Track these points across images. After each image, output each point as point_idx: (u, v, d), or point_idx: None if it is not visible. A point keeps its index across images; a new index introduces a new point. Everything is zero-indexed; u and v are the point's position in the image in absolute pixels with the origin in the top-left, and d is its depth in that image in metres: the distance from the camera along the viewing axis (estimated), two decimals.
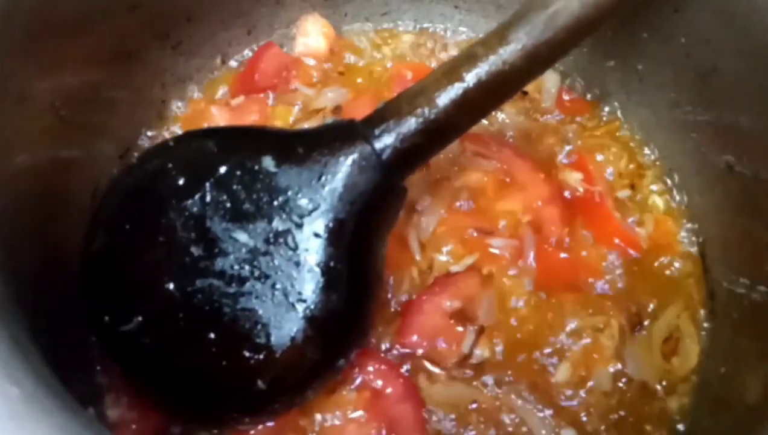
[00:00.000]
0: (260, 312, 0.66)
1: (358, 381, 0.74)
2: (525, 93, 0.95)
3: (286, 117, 0.90)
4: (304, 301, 0.66)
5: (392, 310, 0.79)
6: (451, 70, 0.69)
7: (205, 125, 0.87)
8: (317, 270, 0.67)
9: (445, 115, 0.68)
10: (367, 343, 0.76)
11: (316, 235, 0.67)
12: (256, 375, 0.66)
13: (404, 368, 0.76)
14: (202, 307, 0.66)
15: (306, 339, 0.66)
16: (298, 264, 0.67)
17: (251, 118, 0.88)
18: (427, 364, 0.76)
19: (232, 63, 0.94)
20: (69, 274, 0.71)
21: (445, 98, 0.68)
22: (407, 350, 0.77)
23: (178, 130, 0.88)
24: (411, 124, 0.69)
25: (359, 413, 0.73)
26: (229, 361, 0.66)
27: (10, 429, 0.38)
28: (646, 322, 0.80)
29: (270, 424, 0.71)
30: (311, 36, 0.94)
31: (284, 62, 0.93)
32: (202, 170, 0.69)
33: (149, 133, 0.88)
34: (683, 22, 0.80)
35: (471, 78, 0.68)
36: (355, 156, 0.68)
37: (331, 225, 0.68)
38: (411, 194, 0.83)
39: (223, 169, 0.69)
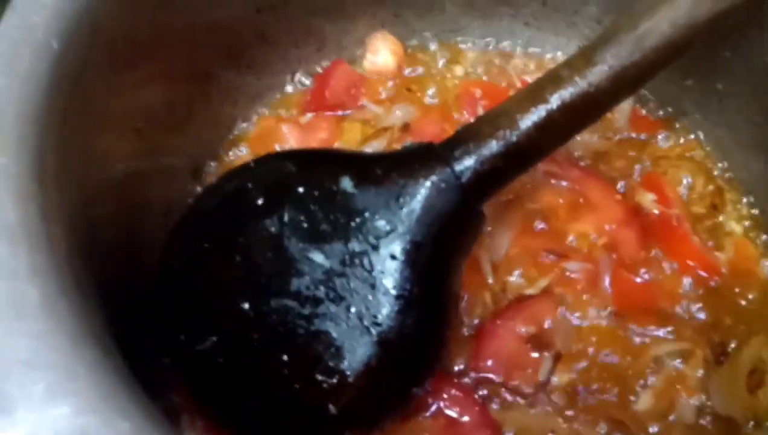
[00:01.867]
0: (334, 334, 0.65)
1: (433, 408, 0.73)
2: None
3: (355, 134, 0.89)
4: (379, 324, 0.65)
5: (465, 334, 0.77)
6: (535, 92, 0.68)
7: (276, 143, 0.87)
8: (393, 293, 0.65)
9: (528, 138, 0.67)
10: (442, 370, 0.74)
11: (393, 257, 0.66)
12: (328, 399, 0.64)
13: (479, 394, 0.74)
14: (276, 327, 0.65)
15: (380, 364, 0.65)
16: (373, 286, 0.66)
17: (321, 135, 0.88)
18: (503, 391, 0.74)
19: (302, 81, 0.93)
20: (142, 295, 0.71)
21: (528, 121, 0.66)
22: (482, 376, 0.75)
23: (248, 148, 0.88)
24: (492, 146, 0.67)
25: None
26: (301, 383, 0.65)
27: None
28: (730, 348, 0.77)
29: None
30: (380, 53, 0.94)
31: (353, 79, 0.92)
32: (281, 190, 0.69)
33: (221, 152, 0.87)
34: (767, 42, 0.77)
35: (555, 100, 0.66)
36: (434, 178, 0.67)
37: (408, 247, 0.66)
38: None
39: (301, 189, 0.68)
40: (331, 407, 0.64)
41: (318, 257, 0.66)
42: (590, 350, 0.76)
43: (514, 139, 0.67)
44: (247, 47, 0.85)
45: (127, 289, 0.68)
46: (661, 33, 0.65)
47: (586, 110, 0.68)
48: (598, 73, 0.66)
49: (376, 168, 0.69)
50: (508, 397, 0.74)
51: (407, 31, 0.97)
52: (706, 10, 0.66)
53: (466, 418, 0.72)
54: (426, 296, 0.67)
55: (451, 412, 0.72)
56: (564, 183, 0.87)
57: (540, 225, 0.84)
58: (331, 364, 0.64)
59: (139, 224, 0.73)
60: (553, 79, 0.67)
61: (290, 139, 0.87)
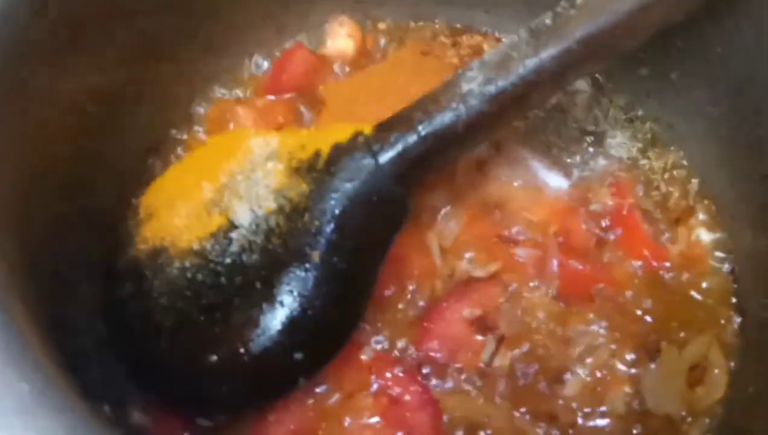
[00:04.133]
0: (237, 305, 0.67)
1: (375, 386, 0.73)
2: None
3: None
4: (283, 302, 0.66)
5: (411, 315, 0.78)
6: (453, 84, 0.68)
7: (231, 124, 0.87)
8: (301, 274, 0.67)
9: (449, 129, 0.67)
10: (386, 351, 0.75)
11: (308, 235, 0.67)
12: (231, 368, 0.66)
13: (422, 375, 0.75)
14: (187, 291, 0.68)
15: (282, 340, 0.66)
16: (284, 264, 0.67)
17: (276, 118, 0.88)
18: (446, 373, 0.75)
19: (261, 63, 0.94)
20: (90, 272, 0.72)
21: (449, 113, 0.67)
22: (426, 356, 0.75)
23: (204, 128, 0.88)
24: (413, 136, 0.68)
25: (376, 419, 0.72)
26: (209, 349, 0.66)
27: (18, 426, 0.38)
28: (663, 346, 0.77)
29: (288, 428, 0.71)
30: (339, 38, 0.94)
31: (312, 64, 0.93)
32: None
33: (176, 132, 0.88)
34: (720, 32, 0.77)
35: (476, 96, 0.66)
36: (355, 162, 0.68)
37: (322, 228, 0.67)
38: (435, 200, 0.83)
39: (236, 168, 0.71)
40: (234, 376, 0.67)
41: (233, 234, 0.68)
42: (533, 335, 0.77)
43: (433, 129, 0.67)
44: (201, 27, 0.85)
45: (71, 271, 0.69)
46: (585, 26, 0.65)
47: (509, 105, 0.68)
48: (517, 67, 0.66)
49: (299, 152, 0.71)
50: (451, 379, 0.75)
51: (368, 16, 0.97)
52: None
53: (407, 398, 0.73)
54: (337, 281, 0.68)
55: (393, 392, 0.73)
56: (519, 171, 0.87)
57: (493, 211, 0.84)
58: (231, 334, 0.66)
59: (87, 199, 0.74)
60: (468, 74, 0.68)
61: (246, 121, 0.87)
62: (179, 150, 0.86)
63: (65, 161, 0.69)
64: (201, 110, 0.89)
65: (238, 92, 0.92)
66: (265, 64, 0.93)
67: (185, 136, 0.88)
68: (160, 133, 0.86)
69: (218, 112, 0.88)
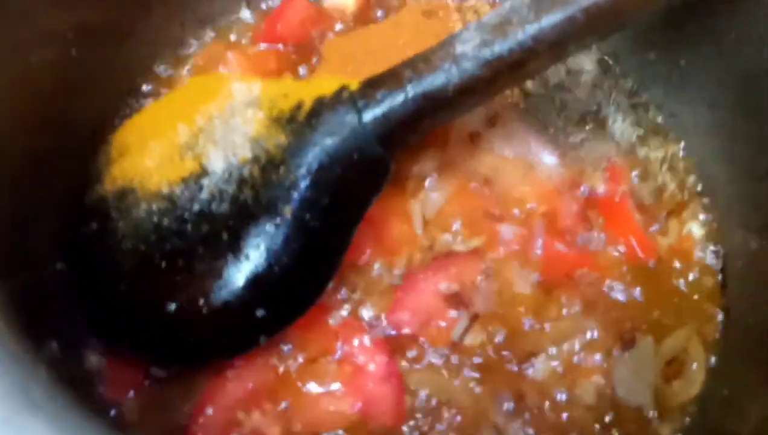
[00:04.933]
0: (201, 254, 0.65)
1: (340, 353, 0.72)
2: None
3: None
4: (249, 256, 0.64)
5: (386, 284, 0.75)
6: (448, 44, 0.65)
7: (220, 68, 0.85)
8: (271, 228, 0.65)
9: (439, 91, 0.65)
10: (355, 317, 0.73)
11: (281, 189, 0.65)
12: (189, 318, 0.65)
13: (390, 346, 0.72)
14: (151, 235, 0.66)
15: (244, 295, 0.64)
16: (254, 217, 0.65)
17: (268, 68, 0.85)
18: (414, 346, 0.73)
19: (258, 10, 0.91)
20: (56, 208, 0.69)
21: (440, 74, 0.64)
22: (395, 328, 0.73)
23: (191, 71, 0.86)
24: (400, 95, 0.65)
25: (337, 386, 0.70)
26: (168, 297, 0.65)
27: None
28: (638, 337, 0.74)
29: (246, 386, 0.69)
30: None
31: (311, 15, 0.90)
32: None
33: (162, 72, 0.85)
34: (734, 18, 0.74)
35: (469, 59, 0.63)
36: (337, 118, 0.66)
37: (297, 183, 0.65)
38: (423, 168, 0.80)
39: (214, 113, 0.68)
40: (196, 329, 0.65)
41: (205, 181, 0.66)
42: (508, 315, 0.74)
43: (429, 90, 0.65)
44: None
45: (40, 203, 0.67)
46: None
47: (499, 70, 0.65)
48: (525, 31, 0.63)
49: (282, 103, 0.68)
50: (419, 353, 0.73)
51: None
52: None
53: (372, 368, 0.71)
54: (309, 240, 0.66)
55: (358, 360, 0.71)
56: (512, 148, 0.84)
57: (481, 186, 0.82)
58: (196, 285, 0.65)
59: (63, 134, 0.71)
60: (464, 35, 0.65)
61: (236, 67, 0.84)
62: (163, 91, 0.83)
63: (43, 93, 0.66)
64: (191, 52, 0.86)
65: (232, 37, 0.88)
66: (262, 12, 0.90)
67: (171, 78, 0.85)
68: (145, 72, 0.84)
69: (208, 56, 0.86)
